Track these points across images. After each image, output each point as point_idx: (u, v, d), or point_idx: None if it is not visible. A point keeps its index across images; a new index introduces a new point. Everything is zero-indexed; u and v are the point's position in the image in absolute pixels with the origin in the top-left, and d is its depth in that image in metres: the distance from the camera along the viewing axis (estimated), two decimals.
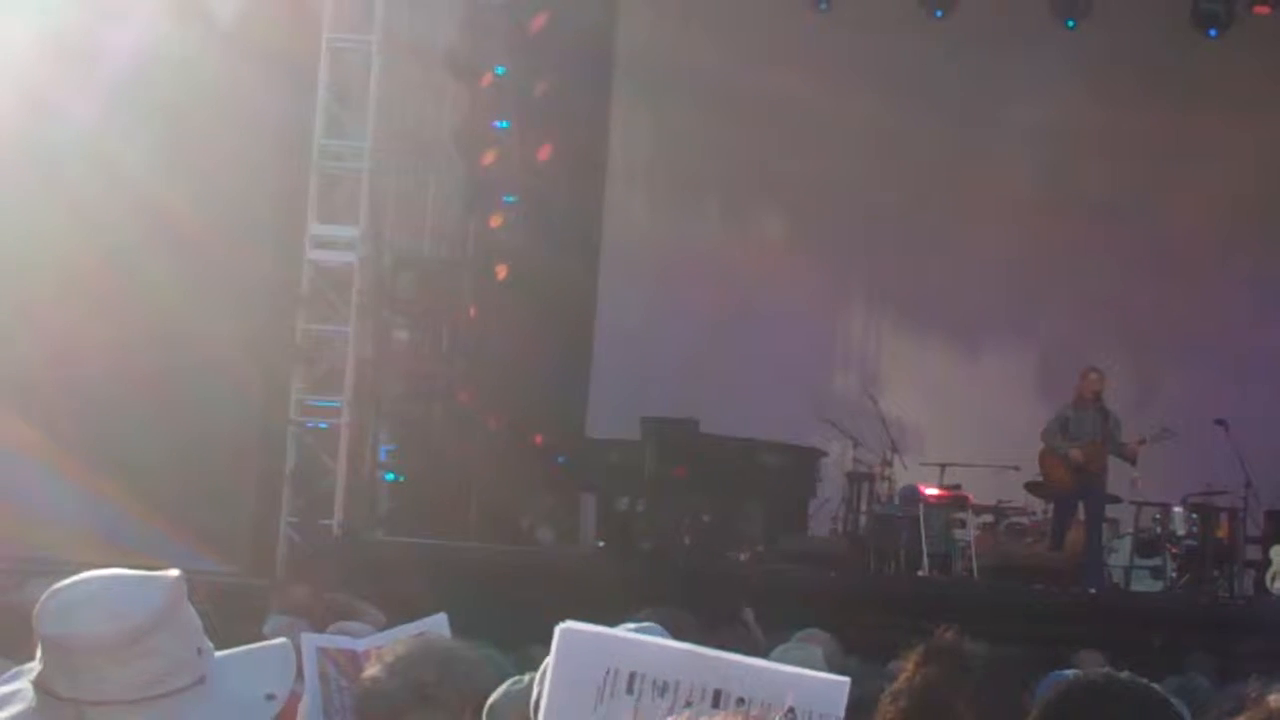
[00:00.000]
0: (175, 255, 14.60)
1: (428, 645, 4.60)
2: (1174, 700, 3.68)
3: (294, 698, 4.79)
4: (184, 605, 2.80)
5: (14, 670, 2.90)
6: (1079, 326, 19.55)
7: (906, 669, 3.82)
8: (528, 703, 3.57)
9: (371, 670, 4.45)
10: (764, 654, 6.29)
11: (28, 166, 14.82)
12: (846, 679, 2.65)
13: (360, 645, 5.06)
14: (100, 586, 2.79)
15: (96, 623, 2.71)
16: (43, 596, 2.76)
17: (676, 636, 3.74)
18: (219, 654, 2.85)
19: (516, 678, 3.97)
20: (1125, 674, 3.66)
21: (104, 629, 2.71)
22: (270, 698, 2.84)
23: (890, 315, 20.64)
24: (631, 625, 3.66)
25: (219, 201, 14.79)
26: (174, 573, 2.83)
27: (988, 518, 17.45)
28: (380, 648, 4.66)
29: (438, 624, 5.19)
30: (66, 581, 2.79)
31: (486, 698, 4.43)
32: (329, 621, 8.49)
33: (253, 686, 2.84)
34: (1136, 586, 16.93)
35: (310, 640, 5.12)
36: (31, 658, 2.80)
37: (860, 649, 8.71)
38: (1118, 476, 16.70)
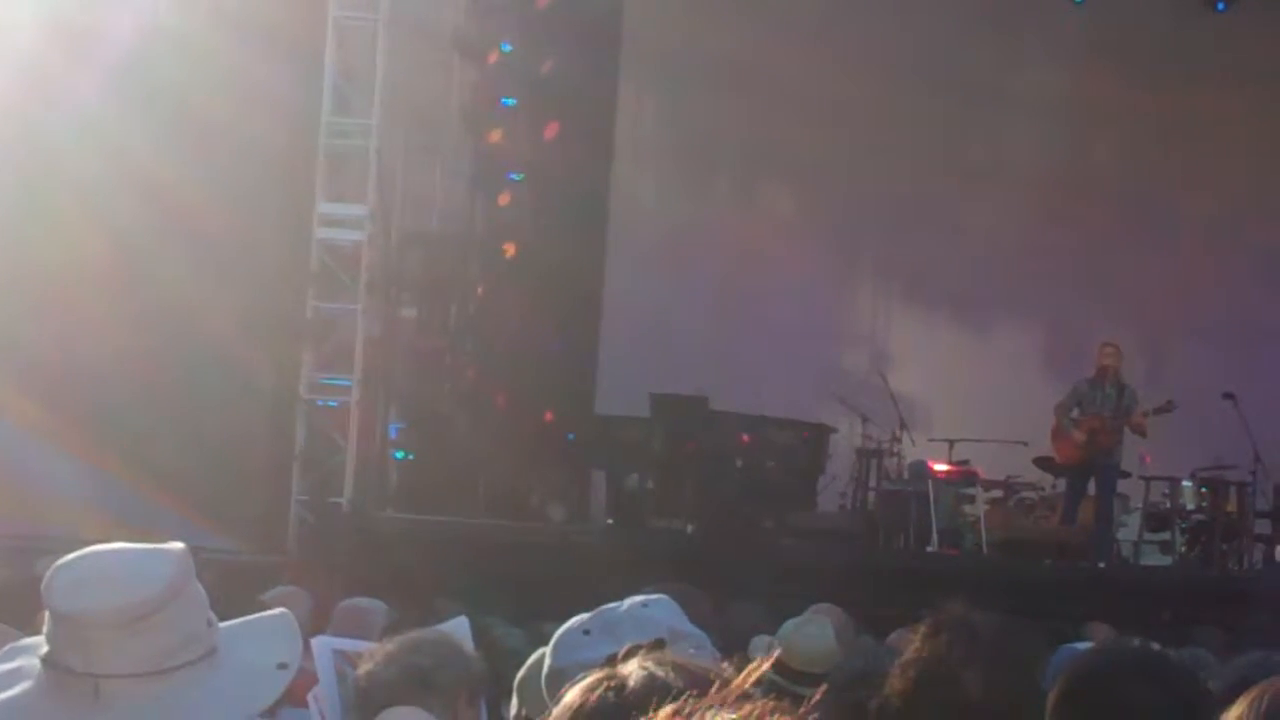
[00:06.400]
0: (181, 235, 14.61)
1: (421, 636, 4.63)
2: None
3: (306, 675, 4.80)
4: (193, 577, 2.80)
5: (9, 648, 2.90)
6: (1087, 301, 19.53)
7: (915, 641, 3.83)
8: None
9: (367, 665, 4.48)
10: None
11: (30, 148, 14.83)
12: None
13: (374, 648, 5.04)
14: (109, 561, 2.79)
15: (110, 597, 2.72)
16: (48, 573, 2.76)
17: (687, 611, 3.76)
18: (222, 625, 2.86)
19: (543, 650, 3.98)
20: (1154, 646, 3.67)
21: (118, 603, 2.71)
22: (282, 667, 2.85)
23: (898, 292, 20.64)
24: (640, 599, 3.66)
25: (225, 181, 14.79)
26: (179, 545, 2.83)
27: (997, 493, 17.46)
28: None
29: (459, 627, 5.17)
30: (71, 556, 2.79)
31: (480, 684, 4.47)
32: (335, 599, 8.51)
33: (263, 656, 2.85)
34: (1146, 561, 16.95)
35: (324, 643, 5.12)
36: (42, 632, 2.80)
37: (870, 624, 8.72)
38: (1128, 452, 16.69)
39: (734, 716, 1.86)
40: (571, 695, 2.18)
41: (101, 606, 2.71)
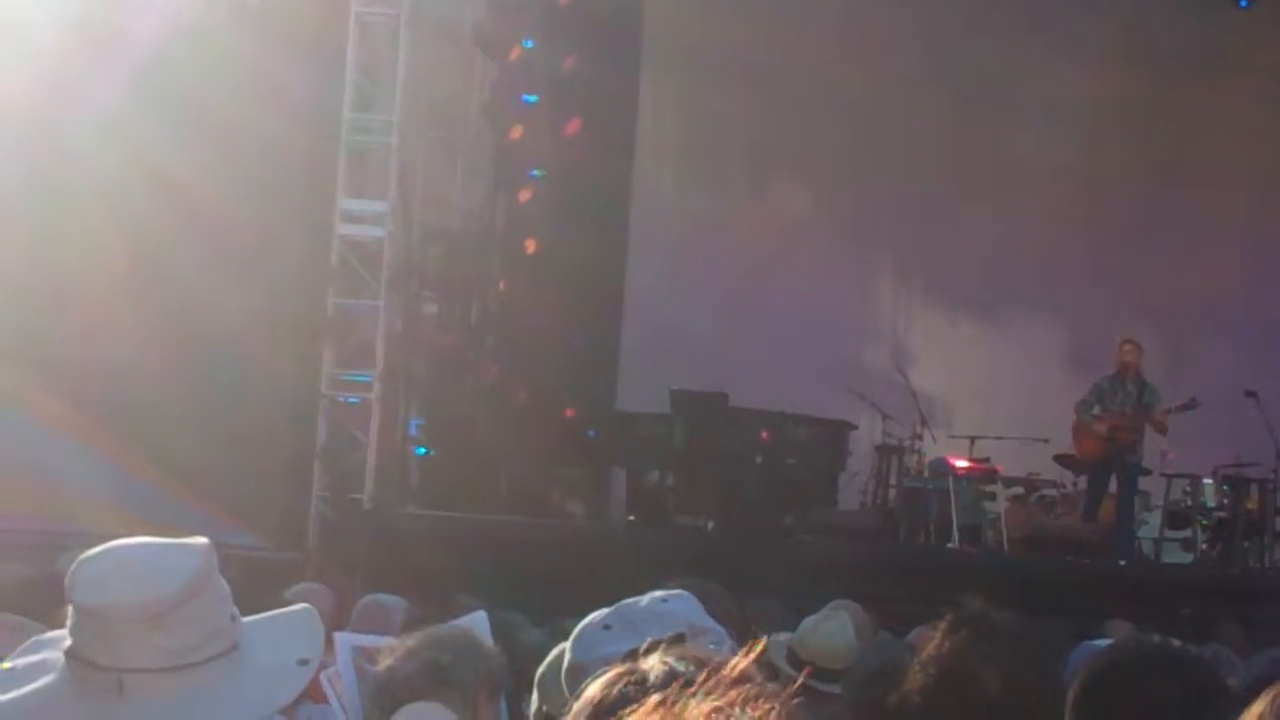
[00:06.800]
0: (202, 232, 14.64)
1: (441, 631, 4.63)
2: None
3: (325, 669, 4.82)
4: (216, 573, 2.81)
5: (33, 641, 2.91)
6: (1108, 299, 19.51)
7: (935, 638, 3.83)
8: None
9: (386, 660, 4.49)
10: None
11: (52, 147, 14.85)
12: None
13: (394, 643, 5.04)
14: (134, 555, 2.80)
15: (135, 590, 2.72)
16: (72, 567, 2.77)
17: (707, 606, 3.76)
18: (245, 620, 2.87)
19: (563, 646, 3.99)
20: (1174, 643, 3.67)
21: (143, 596, 2.72)
22: (304, 662, 2.86)
23: (918, 288, 20.62)
24: (660, 594, 3.66)
25: (246, 178, 14.81)
26: (202, 540, 2.84)
27: (1018, 490, 17.45)
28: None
29: (478, 622, 5.17)
30: (95, 551, 2.80)
31: (500, 680, 4.47)
32: (355, 595, 8.53)
33: (285, 652, 2.86)
34: (1167, 558, 16.92)
35: (345, 639, 5.13)
36: (64, 627, 2.81)
37: (891, 621, 8.72)
38: (1150, 449, 16.67)
39: (717, 703, 1.89)
40: (592, 689, 2.19)
41: (125, 600, 2.72)
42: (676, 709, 1.91)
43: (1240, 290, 19.41)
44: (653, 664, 2.22)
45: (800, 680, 2.15)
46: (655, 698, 1.93)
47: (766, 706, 1.90)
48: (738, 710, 1.88)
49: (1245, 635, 10.15)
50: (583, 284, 18.62)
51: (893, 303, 20.68)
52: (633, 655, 2.30)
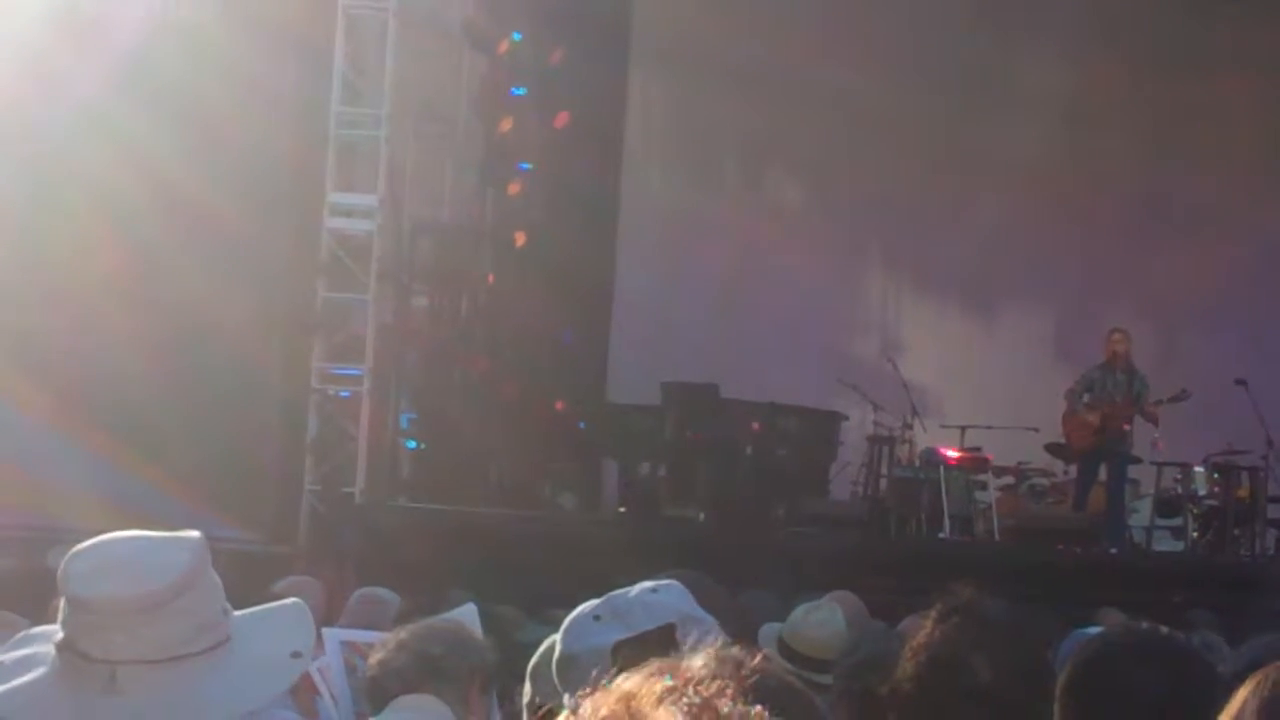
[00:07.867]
0: (191, 226, 14.61)
1: (433, 624, 4.64)
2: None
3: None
4: (209, 566, 2.82)
5: (22, 635, 2.91)
6: (1098, 289, 19.53)
7: (925, 626, 3.83)
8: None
9: (378, 654, 4.49)
10: None
11: (39, 142, 14.82)
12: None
13: (385, 638, 5.05)
14: (127, 548, 2.81)
15: (128, 583, 2.73)
16: (64, 559, 2.78)
17: (698, 597, 3.76)
18: (237, 614, 2.88)
19: (554, 637, 3.99)
20: (1164, 629, 3.68)
21: (136, 589, 2.73)
22: (296, 655, 2.87)
23: (908, 279, 20.63)
24: (650, 584, 3.66)
25: (234, 171, 14.78)
26: (195, 534, 2.85)
27: (1008, 479, 17.47)
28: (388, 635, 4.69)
29: (468, 614, 5.18)
30: (88, 544, 2.80)
31: (493, 673, 4.48)
32: (349, 590, 8.53)
33: (277, 645, 2.87)
34: (1158, 547, 16.95)
35: (333, 634, 5.13)
36: (54, 621, 2.82)
37: (882, 610, 8.72)
38: (1140, 437, 16.69)
39: (671, 684, 1.91)
40: (630, 683, 2.17)
41: (119, 592, 2.72)
42: (635, 689, 1.93)
43: (1230, 280, 19.42)
44: (696, 663, 2.19)
45: (758, 658, 2.16)
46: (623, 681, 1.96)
47: (719, 684, 1.92)
48: (691, 689, 1.91)
49: (1220, 621, 10.16)
50: (572, 276, 18.62)
51: (883, 293, 20.68)
52: (664, 648, 2.30)
